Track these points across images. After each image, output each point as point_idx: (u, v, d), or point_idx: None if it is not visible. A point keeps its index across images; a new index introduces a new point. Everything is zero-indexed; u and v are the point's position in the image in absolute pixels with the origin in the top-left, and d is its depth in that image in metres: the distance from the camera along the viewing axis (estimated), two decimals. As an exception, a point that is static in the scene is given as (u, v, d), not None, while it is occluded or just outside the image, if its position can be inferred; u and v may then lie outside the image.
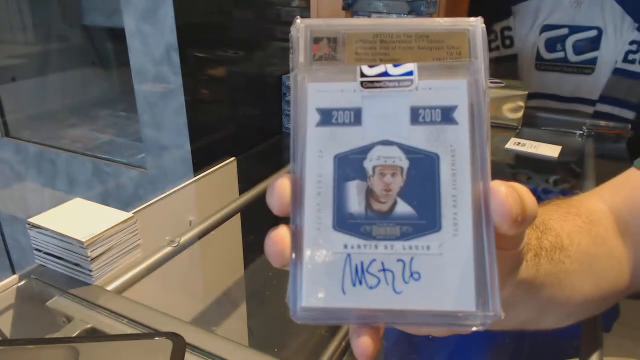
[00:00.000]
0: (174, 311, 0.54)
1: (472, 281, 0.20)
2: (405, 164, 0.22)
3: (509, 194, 0.21)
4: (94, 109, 1.58)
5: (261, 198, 0.90)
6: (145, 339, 0.44)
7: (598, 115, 1.40)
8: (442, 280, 0.21)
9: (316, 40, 0.23)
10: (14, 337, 0.59)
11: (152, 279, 0.65)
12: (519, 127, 1.17)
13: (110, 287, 0.59)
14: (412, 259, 0.21)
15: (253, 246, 0.94)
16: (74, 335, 0.51)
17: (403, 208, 0.21)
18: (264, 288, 0.86)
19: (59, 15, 1.57)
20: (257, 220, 0.95)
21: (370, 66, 0.22)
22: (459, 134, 0.21)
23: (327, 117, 0.22)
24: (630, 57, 1.35)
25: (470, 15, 1.76)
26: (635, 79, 1.35)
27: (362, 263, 0.21)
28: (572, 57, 1.44)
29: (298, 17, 0.23)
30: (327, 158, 0.22)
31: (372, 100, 0.22)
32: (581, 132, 1.15)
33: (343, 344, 0.64)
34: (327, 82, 0.22)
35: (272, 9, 1.19)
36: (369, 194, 0.21)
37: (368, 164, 0.22)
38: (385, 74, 0.22)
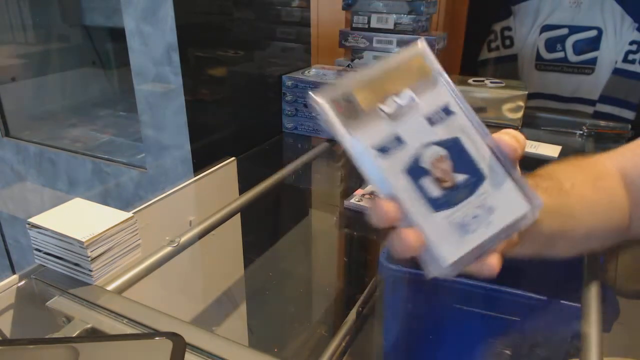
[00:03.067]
0: (174, 311, 0.54)
1: (518, 194, 0.32)
2: (444, 152, 0.31)
3: (510, 137, 0.32)
4: (94, 109, 1.58)
5: (261, 198, 0.90)
6: (145, 339, 0.44)
7: (598, 115, 1.40)
8: (504, 203, 0.31)
9: (336, 103, 0.30)
10: (14, 337, 0.59)
11: (152, 279, 0.65)
12: (519, 127, 1.17)
13: (110, 287, 0.59)
14: (483, 202, 0.31)
15: (253, 246, 0.94)
16: (74, 335, 0.51)
17: (460, 178, 0.31)
18: (264, 288, 0.86)
19: (59, 15, 1.57)
20: (257, 220, 0.95)
21: (386, 106, 0.31)
22: (459, 118, 0.32)
23: (384, 150, 0.30)
24: (630, 57, 1.35)
25: (470, 15, 1.75)
26: (635, 79, 1.35)
27: (462, 220, 0.31)
28: (572, 57, 1.44)
29: (310, 93, 0.30)
30: (401, 174, 0.30)
31: (401, 125, 0.31)
32: (581, 132, 1.15)
33: (343, 344, 0.64)
34: (368, 129, 0.30)
35: (272, 9, 1.19)
36: (437, 180, 0.31)
37: (426, 164, 0.31)
38: (398, 105, 0.31)
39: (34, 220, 0.59)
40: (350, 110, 0.30)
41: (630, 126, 1.18)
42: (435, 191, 0.30)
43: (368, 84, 0.31)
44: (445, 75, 0.31)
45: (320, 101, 0.30)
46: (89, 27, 1.60)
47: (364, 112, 0.30)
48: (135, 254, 0.63)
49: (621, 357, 0.62)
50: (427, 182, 0.30)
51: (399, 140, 0.30)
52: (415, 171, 0.30)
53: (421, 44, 0.32)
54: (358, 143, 0.30)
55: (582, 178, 0.44)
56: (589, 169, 0.46)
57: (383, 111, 0.30)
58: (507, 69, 1.53)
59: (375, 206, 0.30)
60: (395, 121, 0.30)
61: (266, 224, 1.00)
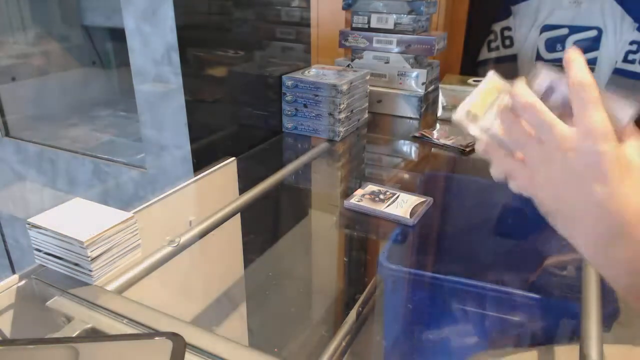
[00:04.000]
0: (174, 311, 0.54)
1: None
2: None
3: None
4: (94, 108, 1.58)
5: (261, 198, 0.90)
6: (145, 339, 0.44)
7: (598, 115, 1.39)
8: None
9: (466, 117, 0.49)
10: (14, 337, 0.59)
11: (152, 279, 0.65)
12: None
13: (110, 287, 0.59)
14: None
15: (253, 246, 0.94)
16: (74, 335, 0.51)
17: None
18: (264, 288, 0.86)
19: (59, 15, 1.57)
20: (257, 220, 0.95)
21: (491, 111, 0.48)
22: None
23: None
24: (630, 57, 1.35)
25: (470, 15, 1.74)
26: (635, 79, 1.35)
27: None
28: (572, 57, 1.44)
29: (453, 115, 0.49)
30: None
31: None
32: (581, 132, 1.15)
33: (343, 344, 0.64)
34: (488, 125, 0.48)
35: (272, 9, 1.19)
36: None
37: None
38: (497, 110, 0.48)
39: (34, 220, 0.60)
40: (474, 119, 0.49)
41: (630, 126, 1.18)
42: None
43: (476, 102, 0.50)
44: (509, 86, 0.47)
45: (458, 117, 0.49)
46: (89, 27, 1.61)
47: (481, 118, 0.49)
48: (135, 254, 0.63)
49: (621, 357, 0.62)
50: None
51: None
52: None
53: (492, 73, 0.49)
54: (486, 133, 0.48)
55: None
56: None
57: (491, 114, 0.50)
58: (507, 69, 1.54)
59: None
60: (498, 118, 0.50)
61: (266, 224, 1.00)
